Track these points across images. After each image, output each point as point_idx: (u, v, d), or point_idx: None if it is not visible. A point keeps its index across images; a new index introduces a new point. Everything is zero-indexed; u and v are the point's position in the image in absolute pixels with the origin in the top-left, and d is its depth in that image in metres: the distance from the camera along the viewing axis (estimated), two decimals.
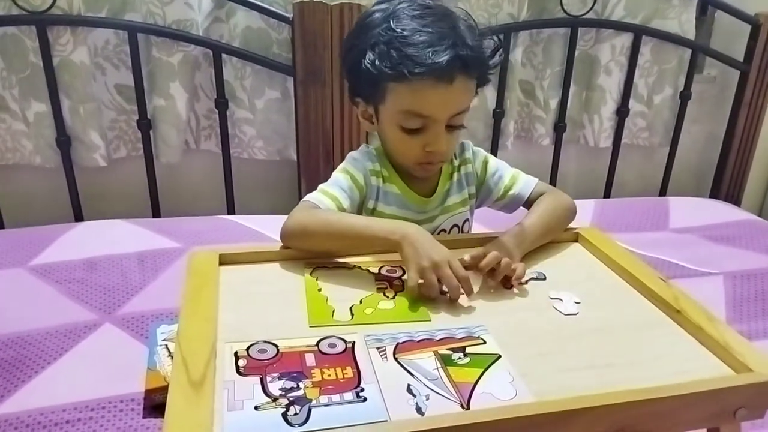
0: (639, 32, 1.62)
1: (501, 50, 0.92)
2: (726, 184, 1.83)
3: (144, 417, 0.89)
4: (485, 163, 1.00)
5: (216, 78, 1.45)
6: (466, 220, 1.00)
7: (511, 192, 0.99)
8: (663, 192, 1.85)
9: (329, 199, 0.89)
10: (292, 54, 1.44)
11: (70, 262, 1.24)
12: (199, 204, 1.58)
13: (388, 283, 0.81)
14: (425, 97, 0.83)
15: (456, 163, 0.98)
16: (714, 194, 1.87)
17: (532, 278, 0.84)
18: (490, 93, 1.61)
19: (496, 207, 1.03)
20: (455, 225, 0.98)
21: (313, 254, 0.86)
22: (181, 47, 1.41)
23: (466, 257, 0.81)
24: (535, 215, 0.93)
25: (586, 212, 1.61)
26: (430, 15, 0.84)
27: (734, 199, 1.85)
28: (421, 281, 0.76)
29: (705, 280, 1.34)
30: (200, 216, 1.49)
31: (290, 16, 1.40)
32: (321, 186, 0.92)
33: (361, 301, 0.76)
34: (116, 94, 1.45)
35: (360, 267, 0.84)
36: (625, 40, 1.63)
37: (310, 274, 0.82)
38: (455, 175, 0.98)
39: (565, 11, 1.56)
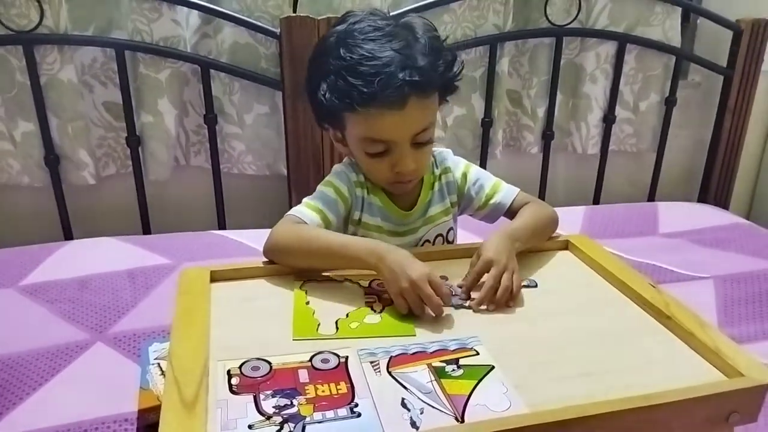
0: (623, 40, 1.64)
1: (458, 61, 0.89)
2: (714, 188, 1.84)
3: None
4: (465, 171, 1.00)
5: (204, 93, 1.45)
6: (450, 228, 1.00)
7: (492, 201, 0.99)
8: (651, 197, 1.87)
9: (314, 212, 0.89)
10: (280, 68, 1.44)
11: (60, 281, 1.24)
12: (190, 220, 1.58)
13: (377, 297, 0.80)
14: (380, 124, 0.83)
15: (437, 172, 0.98)
16: (702, 198, 1.88)
17: (524, 285, 0.84)
18: (478, 103, 1.62)
19: (478, 216, 1.02)
20: (439, 234, 0.98)
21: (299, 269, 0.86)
22: (168, 63, 1.42)
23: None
24: (522, 219, 0.93)
25: (576, 219, 1.62)
26: (383, 36, 0.82)
27: (722, 202, 1.86)
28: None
29: (696, 285, 1.35)
30: (191, 232, 1.49)
31: (277, 31, 1.41)
32: (305, 199, 0.92)
33: (347, 315, 0.76)
34: (104, 112, 1.45)
35: (350, 280, 0.84)
36: (610, 48, 1.65)
37: (300, 288, 0.82)
38: (436, 184, 0.98)
39: (549, 21, 1.57)
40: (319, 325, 0.73)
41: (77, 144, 1.40)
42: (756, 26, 1.67)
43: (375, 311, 0.77)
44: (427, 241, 0.97)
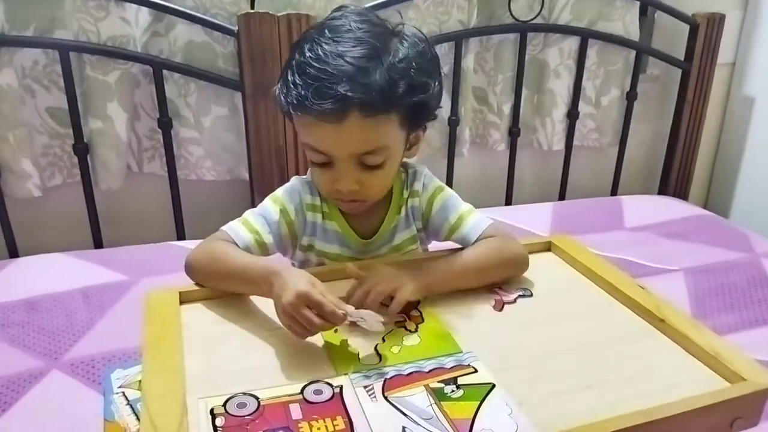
0: (585, 35, 1.63)
1: (432, 87, 0.79)
2: (673, 180, 1.87)
3: None
4: (431, 198, 0.89)
5: (158, 96, 1.37)
6: None
7: (455, 235, 0.88)
8: (614, 191, 1.88)
9: (248, 232, 0.83)
10: (239, 68, 1.37)
11: (7, 304, 1.14)
12: (146, 231, 1.49)
13: (405, 315, 0.76)
14: (315, 133, 0.77)
15: (405, 195, 0.89)
16: (662, 190, 1.91)
17: (520, 295, 0.81)
18: (444, 101, 1.58)
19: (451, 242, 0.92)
20: None
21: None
22: (117, 65, 1.32)
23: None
24: (460, 257, 0.83)
25: (545, 216, 1.62)
26: (351, 39, 0.74)
27: (682, 194, 1.89)
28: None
29: (666, 277, 1.36)
30: (147, 244, 1.40)
31: (235, 28, 1.33)
32: (247, 213, 0.86)
33: (384, 339, 0.71)
34: (48, 118, 1.34)
35: None
36: (572, 43, 1.65)
37: None
38: (403, 209, 0.89)
39: (513, 17, 1.55)
40: (359, 354, 0.68)
41: (20, 153, 1.29)
42: (711, 20, 1.69)
43: (410, 331, 0.73)
44: None
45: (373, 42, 0.75)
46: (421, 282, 0.78)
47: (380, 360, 0.67)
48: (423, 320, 0.75)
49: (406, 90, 0.75)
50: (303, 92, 0.73)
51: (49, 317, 1.12)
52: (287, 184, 0.90)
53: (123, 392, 0.89)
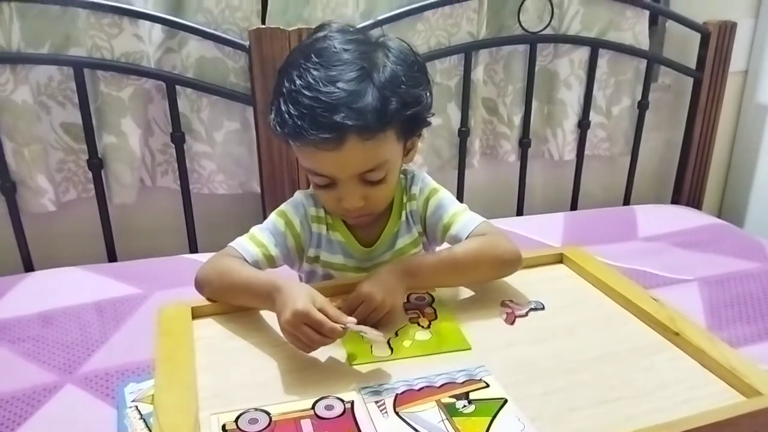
0: (596, 45, 1.63)
1: (424, 98, 0.80)
2: (687, 190, 1.85)
3: None
4: (427, 200, 0.90)
5: (170, 111, 1.38)
6: None
7: (449, 233, 0.88)
8: (627, 201, 1.87)
9: (255, 246, 0.84)
10: (251, 83, 1.38)
11: (22, 318, 1.15)
12: (159, 244, 1.50)
13: (419, 311, 0.79)
14: (315, 160, 0.77)
15: (405, 200, 0.90)
16: (675, 200, 1.89)
17: (531, 308, 0.81)
18: (454, 112, 1.59)
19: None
20: None
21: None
22: (131, 81, 1.34)
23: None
24: (440, 254, 0.83)
25: (556, 227, 1.61)
26: (339, 63, 0.74)
27: (695, 203, 1.87)
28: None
29: (680, 288, 1.35)
30: (161, 257, 1.41)
31: (246, 43, 1.35)
32: (254, 229, 0.87)
33: (396, 333, 0.74)
34: (63, 134, 1.36)
35: None
36: (583, 53, 1.64)
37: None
38: (404, 213, 0.90)
39: (523, 28, 1.55)
40: (372, 346, 0.71)
41: (35, 169, 1.31)
42: (723, 28, 1.69)
43: (423, 327, 0.76)
44: None
45: (360, 62, 0.75)
46: (409, 284, 0.79)
47: (391, 352, 0.70)
48: (436, 317, 0.77)
49: (399, 107, 0.76)
50: (299, 122, 0.73)
51: (64, 331, 1.12)
52: (291, 199, 0.91)
53: (136, 406, 0.90)
